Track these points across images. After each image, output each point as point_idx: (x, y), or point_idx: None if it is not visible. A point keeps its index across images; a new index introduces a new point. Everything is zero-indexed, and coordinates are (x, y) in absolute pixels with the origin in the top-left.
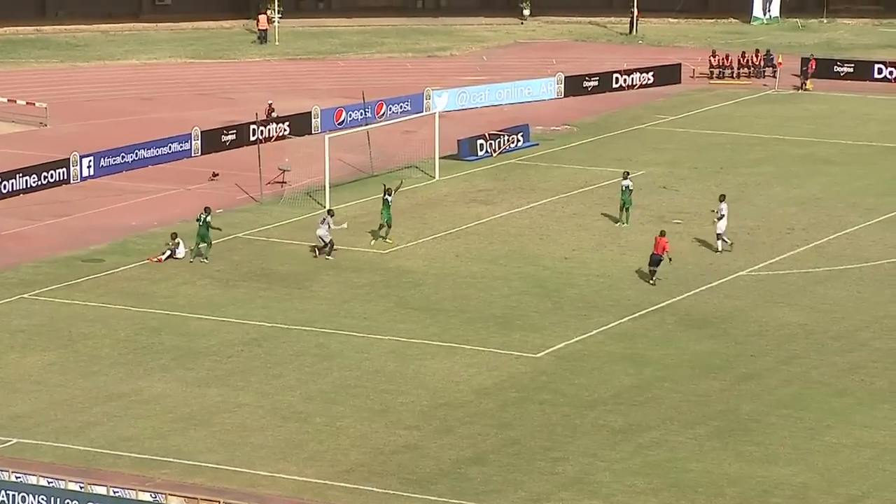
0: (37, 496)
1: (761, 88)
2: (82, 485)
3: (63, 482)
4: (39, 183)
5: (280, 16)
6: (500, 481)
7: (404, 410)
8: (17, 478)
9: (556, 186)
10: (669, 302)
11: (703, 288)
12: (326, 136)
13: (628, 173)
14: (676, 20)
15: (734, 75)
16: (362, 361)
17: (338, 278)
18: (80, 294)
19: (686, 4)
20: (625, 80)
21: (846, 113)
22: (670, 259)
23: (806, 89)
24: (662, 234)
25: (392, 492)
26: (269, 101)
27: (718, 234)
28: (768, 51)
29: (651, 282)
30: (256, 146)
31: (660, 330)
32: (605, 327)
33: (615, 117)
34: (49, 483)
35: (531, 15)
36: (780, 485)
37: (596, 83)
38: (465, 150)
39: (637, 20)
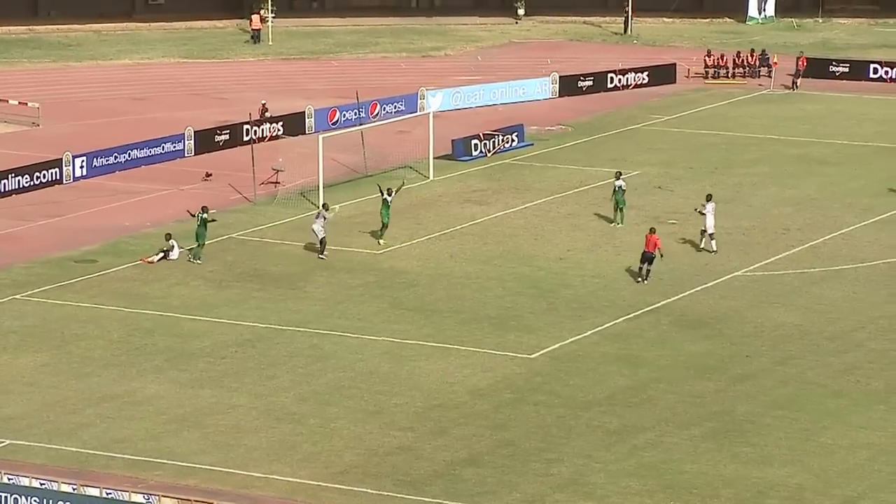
0: (29, 498)
1: (756, 88)
2: (75, 486)
3: (56, 484)
4: (32, 183)
5: (273, 15)
6: (495, 482)
7: (398, 412)
8: (9, 479)
9: (551, 187)
10: (664, 302)
11: (699, 288)
12: (320, 136)
13: (620, 173)
14: (671, 20)
15: (729, 75)
16: (356, 362)
17: (332, 279)
18: (73, 295)
19: (681, 4)
20: (619, 80)
21: (841, 113)
22: (661, 255)
23: (796, 87)
24: (653, 230)
25: (386, 493)
26: (263, 101)
27: (709, 233)
28: (763, 50)
29: (640, 280)
30: (250, 146)
31: (655, 331)
32: (599, 328)
33: (610, 117)
34: (42, 485)
35: (526, 14)
36: (776, 486)
37: (591, 83)
38: (460, 150)
39: (631, 20)
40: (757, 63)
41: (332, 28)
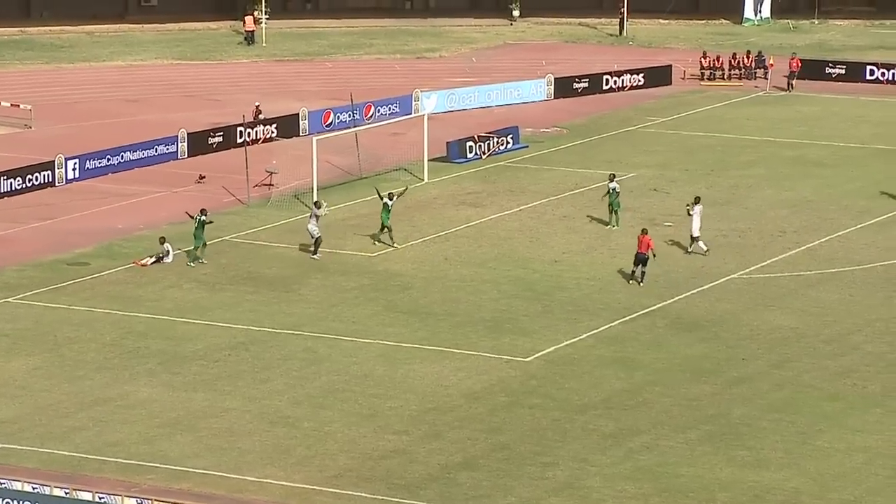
0: (21, 502)
1: (752, 90)
2: (67, 490)
3: (48, 488)
4: (24, 186)
5: (267, 17)
6: (490, 486)
7: (393, 415)
8: (0, 483)
9: (546, 189)
10: (660, 305)
11: (694, 291)
12: (314, 138)
13: (614, 175)
14: (667, 21)
15: (725, 77)
16: (350, 366)
17: (326, 282)
18: (66, 298)
19: (677, 5)
20: (615, 82)
21: (838, 115)
22: (654, 256)
23: (791, 88)
24: (645, 231)
25: (380, 497)
26: (257, 103)
27: (695, 236)
28: (760, 52)
29: (632, 282)
30: (243, 148)
31: (651, 333)
32: (595, 331)
33: (605, 119)
34: (34, 489)
35: (520, 16)
36: (772, 490)
37: (586, 85)
38: (454, 152)
39: (626, 21)
40: (753, 65)
41: (327, 29)
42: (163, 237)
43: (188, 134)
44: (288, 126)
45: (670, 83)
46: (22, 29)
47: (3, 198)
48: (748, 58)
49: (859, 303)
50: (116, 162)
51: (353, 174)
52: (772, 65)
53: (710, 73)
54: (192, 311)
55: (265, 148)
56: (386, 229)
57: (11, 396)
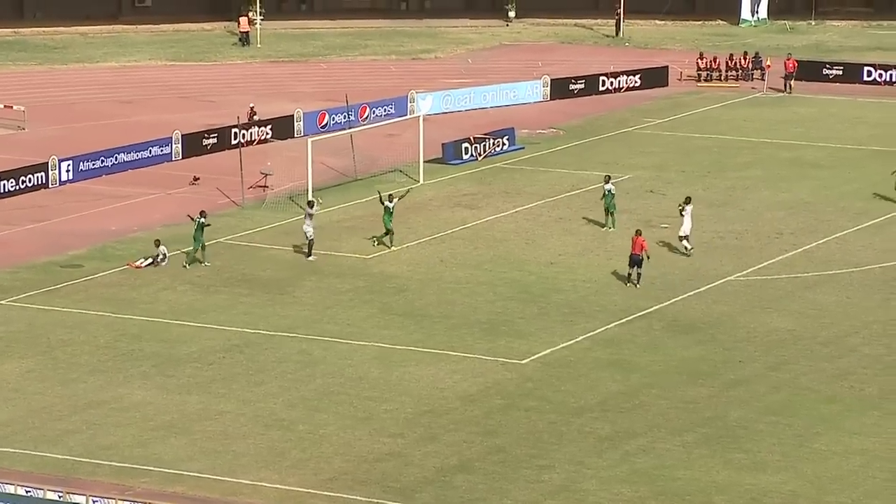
0: None
1: (749, 91)
2: (61, 494)
3: (41, 491)
4: (17, 187)
5: (262, 17)
6: (486, 489)
7: (388, 418)
8: None
9: (542, 190)
10: (657, 307)
11: (691, 293)
12: (309, 140)
13: (609, 177)
14: (663, 22)
15: (722, 78)
16: (345, 368)
17: (321, 284)
18: (59, 300)
19: (673, 6)
20: (611, 83)
21: (835, 116)
22: (648, 257)
23: (790, 89)
24: (639, 233)
25: (376, 500)
26: (251, 104)
27: (685, 235)
28: (756, 53)
29: (629, 284)
30: (238, 150)
31: (647, 336)
32: (591, 333)
33: (601, 120)
34: (27, 492)
35: (516, 17)
36: (769, 492)
37: (582, 86)
38: (450, 153)
39: (623, 22)
40: (750, 66)
41: (321, 30)
42: (158, 240)
43: (182, 135)
44: (283, 127)
45: (667, 84)
46: (15, 30)
47: None
48: (745, 59)
49: (856, 305)
50: (110, 163)
51: (349, 176)
52: (769, 66)
53: (707, 74)
54: (187, 314)
55: (260, 149)
56: (390, 233)
57: (4, 399)
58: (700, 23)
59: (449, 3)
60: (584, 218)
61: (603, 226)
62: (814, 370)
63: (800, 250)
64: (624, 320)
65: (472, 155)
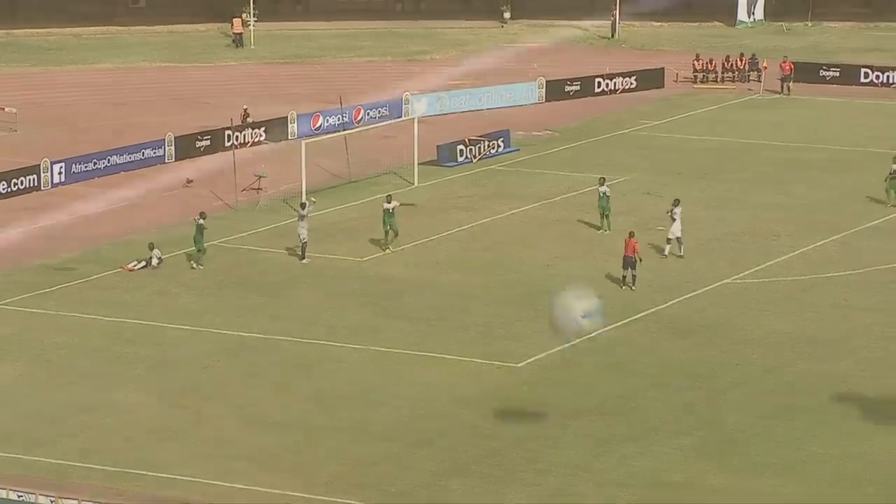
0: None
1: (746, 93)
2: (53, 498)
3: (34, 495)
4: (9, 190)
5: (256, 19)
6: (482, 493)
7: (383, 421)
8: None
9: (538, 193)
10: (654, 310)
11: (688, 295)
12: (303, 142)
13: (604, 179)
14: (659, 23)
15: (718, 79)
16: (340, 372)
17: (316, 286)
18: (53, 303)
19: (669, 7)
20: (607, 85)
21: (832, 118)
22: (640, 259)
23: (788, 91)
24: (631, 234)
25: None
26: (245, 106)
27: (676, 237)
28: (753, 55)
29: (625, 286)
30: (231, 152)
31: (644, 338)
32: (587, 336)
33: (598, 122)
34: (19, 496)
35: (512, 18)
36: (767, 496)
37: (578, 87)
38: (445, 155)
39: (618, 23)
40: (746, 67)
41: (316, 32)
42: (151, 243)
43: (175, 138)
44: (277, 129)
45: (663, 86)
46: (8, 31)
47: None
48: (741, 60)
49: (854, 307)
50: (103, 166)
51: (343, 178)
52: (765, 67)
53: (703, 75)
54: (181, 317)
55: (254, 151)
56: (395, 234)
57: None
58: (696, 24)
59: (444, 5)
60: (579, 220)
61: (599, 228)
62: (811, 373)
63: (797, 252)
64: (621, 323)
65: (467, 157)
